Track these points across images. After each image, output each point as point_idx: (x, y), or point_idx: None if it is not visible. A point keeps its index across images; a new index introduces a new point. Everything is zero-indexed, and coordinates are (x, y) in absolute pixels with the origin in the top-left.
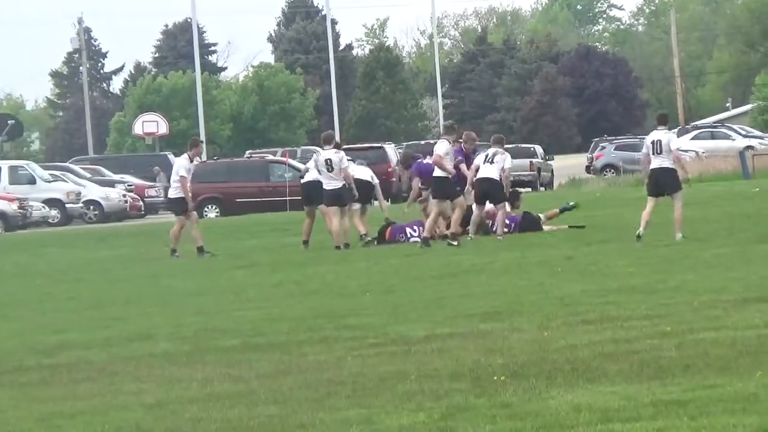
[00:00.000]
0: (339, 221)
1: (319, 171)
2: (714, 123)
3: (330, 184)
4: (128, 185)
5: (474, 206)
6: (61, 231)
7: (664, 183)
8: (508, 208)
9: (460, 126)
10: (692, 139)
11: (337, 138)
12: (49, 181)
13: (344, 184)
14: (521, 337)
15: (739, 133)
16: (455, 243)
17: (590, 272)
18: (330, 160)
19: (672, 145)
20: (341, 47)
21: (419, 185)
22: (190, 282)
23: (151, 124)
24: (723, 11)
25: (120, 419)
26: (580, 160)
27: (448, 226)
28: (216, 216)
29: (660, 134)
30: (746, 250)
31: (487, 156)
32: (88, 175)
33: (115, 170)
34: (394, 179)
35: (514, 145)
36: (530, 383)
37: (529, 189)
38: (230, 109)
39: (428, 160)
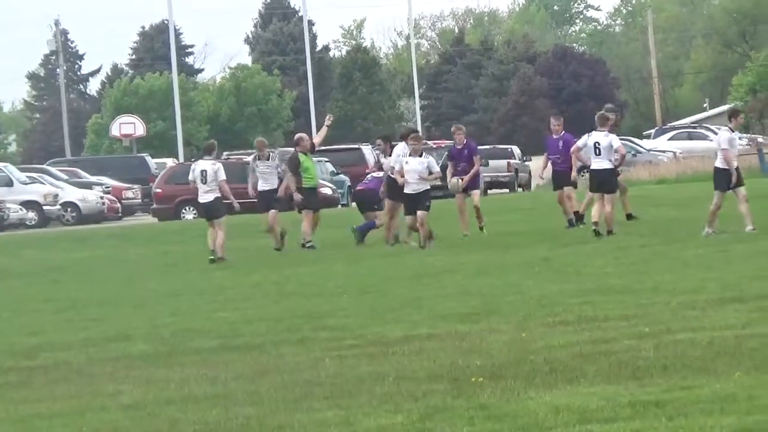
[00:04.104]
0: (212, 233)
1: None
2: (691, 123)
3: (203, 197)
4: (106, 187)
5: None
6: (38, 233)
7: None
8: None
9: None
10: (669, 139)
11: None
12: (27, 183)
13: (217, 197)
14: (499, 338)
15: (716, 134)
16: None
17: (567, 273)
18: (205, 171)
19: (722, 144)
20: (318, 48)
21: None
22: (167, 283)
23: (128, 126)
24: (700, 12)
25: (98, 420)
26: None
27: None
28: (193, 218)
29: (724, 133)
30: (724, 251)
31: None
32: (66, 177)
33: (93, 172)
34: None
35: (491, 146)
36: (508, 384)
37: (507, 190)
38: (207, 110)
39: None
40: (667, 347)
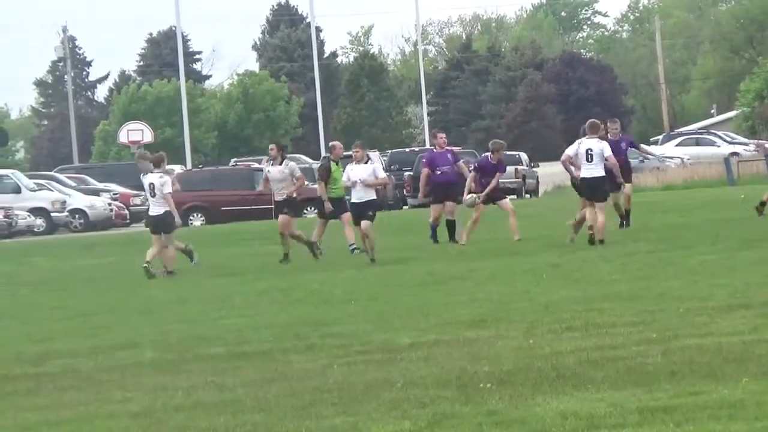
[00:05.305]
0: (159, 248)
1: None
2: (699, 129)
3: (153, 209)
4: (113, 194)
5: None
6: (46, 240)
7: None
8: None
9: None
10: (677, 145)
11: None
12: (34, 190)
13: (167, 211)
14: (507, 344)
15: (724, 140)
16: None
17: (575, 279)
18: (153, 184)
19: None
20: (326, 55)
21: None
22: (174, 290)
23: (136, 133)
24: (707, 18)
25: (106, 428)
26: None
27: None
28: (201, 224)
29: None
30: (731, 257)
31: None
32: (73, 184)
33: (100, 179)
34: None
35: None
36: (516, 390)
37: (515, 196)
38: (215, 117)
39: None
40: (674, 353)
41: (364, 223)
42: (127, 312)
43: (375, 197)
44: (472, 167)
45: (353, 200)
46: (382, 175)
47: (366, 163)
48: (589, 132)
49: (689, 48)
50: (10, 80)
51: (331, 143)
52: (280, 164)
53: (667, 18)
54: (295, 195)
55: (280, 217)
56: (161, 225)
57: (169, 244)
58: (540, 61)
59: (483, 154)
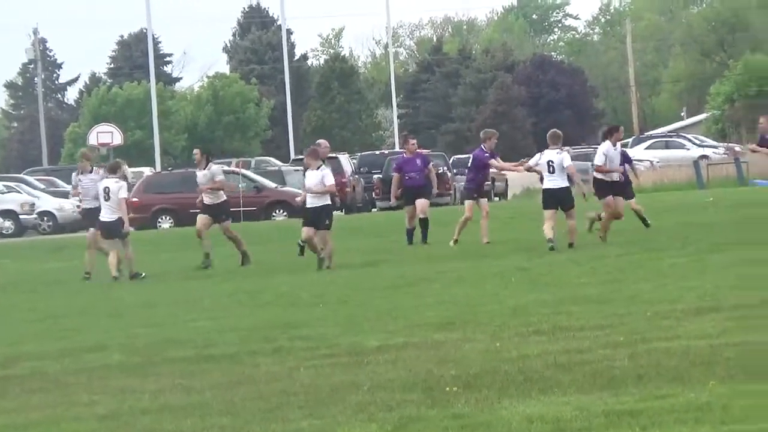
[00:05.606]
0: (117, 252)
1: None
2: (668, 132)
3: (105, 215)
4: None
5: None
6: (14, 242)
7: None
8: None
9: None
10: (647, 148)
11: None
12: (3, 193)
13: (120, 217)
14: (474, 347)
15: (694, 143)
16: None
17: (543, 282)
18: (108, 188)
19: None
20: (296, 57)
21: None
22: (143, 293)
23: (105, 135)
24: (678, 21)
25: (72, 431)
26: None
27: None
28: (170, 227)
29: None
30: (701, 260)
31: None
32: (42, 186)
33: (70, 181)
34: (348, 189)
35: (468, 155)
36: (483, 394)
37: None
38: (185, 119)
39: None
40: (641, 356)
41: (321, 233)
42: (97, 315)
43: (329, 203)
44: (479, 160)
45: (308, 205)
46: (330, 181)
47: (318, 169)
48: (551, 143)
49: (660, 51)
50: None
51: (317, 141)
52: (204, 168)
53: (638, 21)
54: (224, 198)
55: (222, 223)
56: (113, 231)
57: (124, 248)
58: (511, 63)
59: (477, 149)
